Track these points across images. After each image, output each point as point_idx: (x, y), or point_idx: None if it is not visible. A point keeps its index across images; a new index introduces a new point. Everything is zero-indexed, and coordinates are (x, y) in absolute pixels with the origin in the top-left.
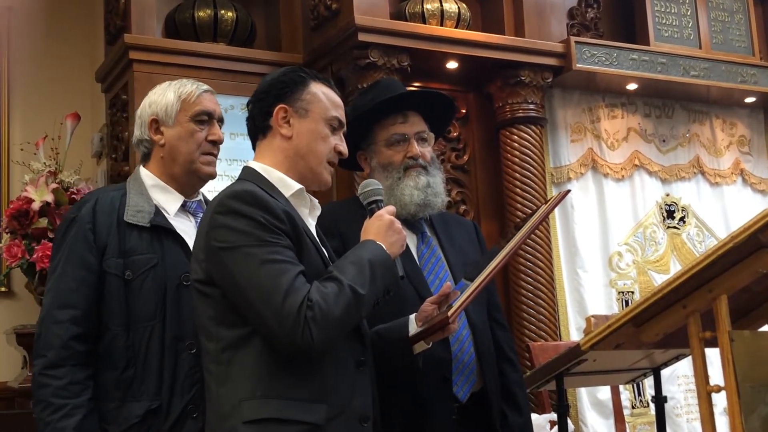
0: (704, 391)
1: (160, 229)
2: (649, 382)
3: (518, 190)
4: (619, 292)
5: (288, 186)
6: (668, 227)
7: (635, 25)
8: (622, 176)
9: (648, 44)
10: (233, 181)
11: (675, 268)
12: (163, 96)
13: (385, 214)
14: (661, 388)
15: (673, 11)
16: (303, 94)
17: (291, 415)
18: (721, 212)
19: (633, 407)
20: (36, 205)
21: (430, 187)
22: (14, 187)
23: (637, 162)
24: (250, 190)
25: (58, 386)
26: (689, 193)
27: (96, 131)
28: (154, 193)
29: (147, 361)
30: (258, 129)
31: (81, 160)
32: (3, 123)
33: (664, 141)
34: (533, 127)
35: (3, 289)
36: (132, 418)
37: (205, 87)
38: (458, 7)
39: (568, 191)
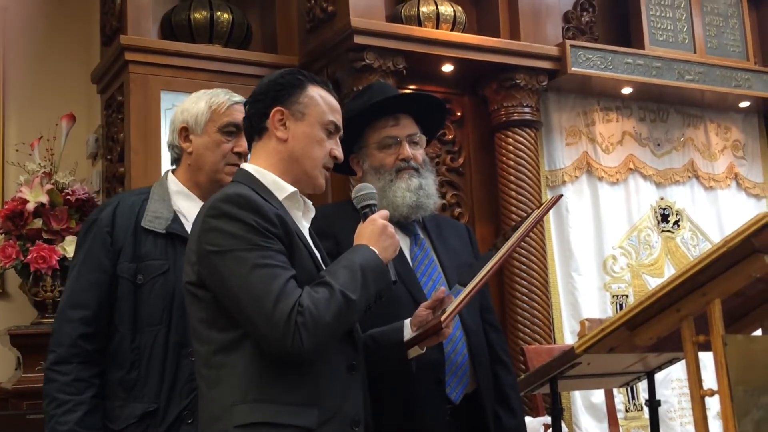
0: (698, 395)
1: (175, 236)
2: (642, 386)
3: (513, 193)
4: (613, 296)
5: (282, 189)
6: (662, 231)
7: (630, 28)
8: (617, 180)
9: (643, 48)
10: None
11: (669, 271)
12: (195, 104)
13: (379, 218)
14: (655, 391)
15: (668, 15)
16: (300, 97)
17: (282, 419)
18: (716, 216)
19: (627, 411)
20: (31, 206)
21: (422, 188)
22: (9, 188)
23: (631, 165)
24: (243, 194)
25: (63, 382)
26: (683, 197)
27: (91, 132)
28: (177, 199)
29: (150, 364)
30: (254, 130)
31: (76, 161)
32: None
33: (658, 145)
34: (528, 131)
35: None
36: (131, 418)
37: (237, 98)
38: (454, 10)
39: (560, 196)
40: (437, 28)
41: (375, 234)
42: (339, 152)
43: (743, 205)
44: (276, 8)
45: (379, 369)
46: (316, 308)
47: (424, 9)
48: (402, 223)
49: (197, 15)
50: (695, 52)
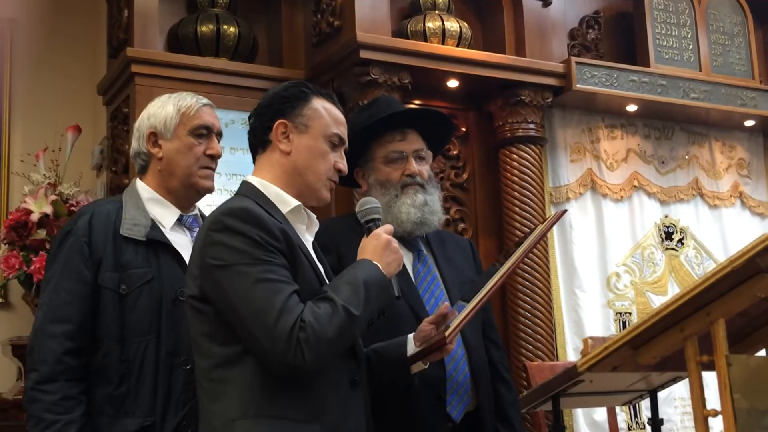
0: (701, 415)
1: (156, 243)
2: (645, 404)
3: (517, 209)
4: (616, 313)
5: (285, 202)
6: (666, 249)
7: (636, 46)
8: (621, 197)
9: (648, 66)
10: (230, 196)
11: (673, 289)
12: (162, 109)
13: (383, 233)
14: (658, 410)
15: (673, 34)
16: (304, 110)
17: None
18: (720, 235)
19: (629, 429)
20: (35, 217)
21: (427, 205)
22: (13, 198)
23: (636, 183)
24: (246, 207)
25: (50, 401)
26: (688, 214)
27: (97, 144)
28: (150, 207)
29: (141, 376)
30: (258, 143)
31: (81, 173)
32: (4, 134)
33: (663, 162)
34: (533, 147)
35: (0, 300)
36: None
37: (205, 101)
38: (460, 26)
39: (565, 211)
40: (443, 43)
41: (379, 249)
42: (343, 165)
43: (747, 223)
44: (282, 22)
45: (381, 384)
46: (318, 324)
47: (430, 24)
48: (406, 238)
49: (204, 28)
50: (700, 71)
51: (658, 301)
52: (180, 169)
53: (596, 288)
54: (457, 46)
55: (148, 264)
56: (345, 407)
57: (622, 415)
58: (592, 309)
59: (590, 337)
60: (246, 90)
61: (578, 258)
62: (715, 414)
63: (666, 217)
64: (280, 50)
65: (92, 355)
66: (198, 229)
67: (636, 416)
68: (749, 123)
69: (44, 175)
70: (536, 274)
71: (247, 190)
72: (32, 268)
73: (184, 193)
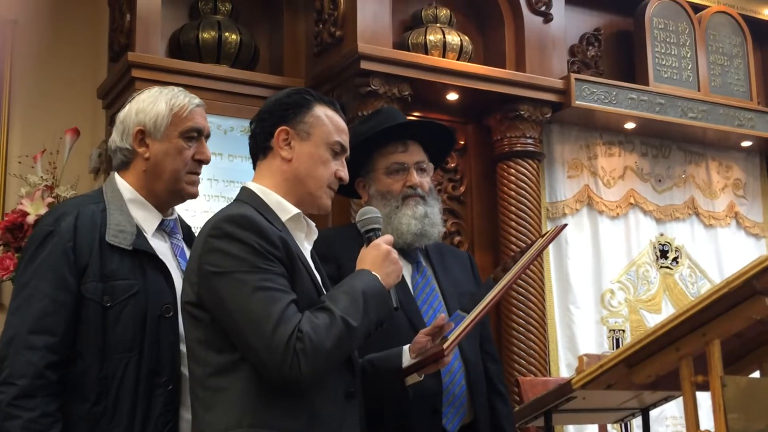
0: None
1: (142, 253)
2: (637, 422)
3: (513, 223)
4: (610, 330)
5: (285, 210)
6: (661, 267)
7: (635, 64)
8: (617, 214)
9: (647, 84)
10: (230, 202)
11: (667, 308)
12: (153, 105)
13: (383, 243)
14: (650, 428)
15: (673, 53)
16: (306, 117)
17: None
18: (715, 254)
19: None
20: (31, 219)
21: (427, 217)
22: (10, 200)
23: (632, 200)
24: (246, 214)
25: (28, 419)
26: (683, 233)
27: (95, 147)
28: (132, 209)
29: (119, 395)
30: (259, 149)
31: (78, 176)
32: (2, 135)
33: (659, 181)
34: (530, 162)
35: None
36: None
37: (197, 100)
38: (461, 40)
39: (565, 225)
40: (444, 56)
41: (378, 259)
42: (344, 173)
43: (743, 244)
44: (284, 31)
45: (376, 395)
46: (316, 334)
47: (431, 37)
48: (405, 250)
49: (205, 35)
50: (699, 90)
51: (651, 319)
52: (167, 172)
53: (590, 304)
54: (458, 59)
55: (134, 276)
56: (340, 419)
57: None
58: (585, 325)
59: (585, 355)
60: (246, 98)
61: (573, 274)
62: None
63: (661, 235)
64: (281, 59)
65: (69, 368)
66: (178, 234)
67: None
68: (746, 144)
69: (41, 177)
70: (531, 289)
71: (246, 196)
72: None
73: (168, 197)
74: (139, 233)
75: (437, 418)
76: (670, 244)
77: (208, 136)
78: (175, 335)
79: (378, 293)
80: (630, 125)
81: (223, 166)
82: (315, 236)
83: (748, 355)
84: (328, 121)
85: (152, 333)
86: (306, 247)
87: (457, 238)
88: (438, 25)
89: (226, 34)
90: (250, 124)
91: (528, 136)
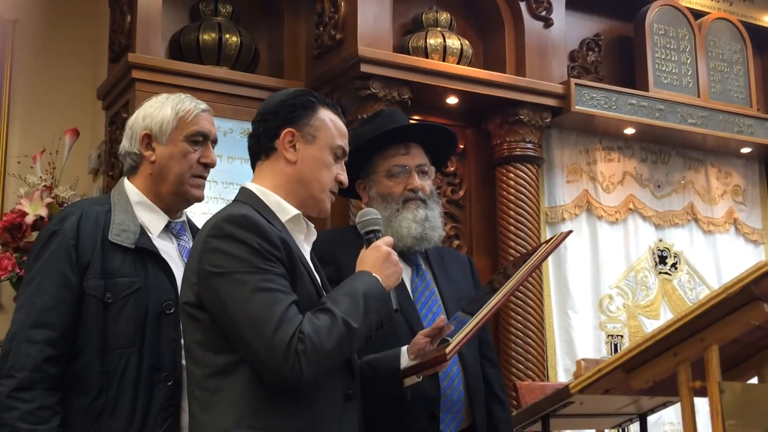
0: None
1: (145, 251)
2: (635, 428)
3: (512, 228)
4: (608, 335)
5: (285, 211)
6: (660, 272)
7: (635, 70)
8: (616, 219)
9: (647, 90)
10: (228, 203)
11: (665, 313)
12: (160, 110)
13: (383, 245)
14: None
15: (673, 59)
16: (311, 120)
17: None
18: (713, 260)
19: None
20: (29, 219)
21: (428, 220)
22: (9, 200)
23: (631, 206)
24: (247, 215)
25: (26, 410)
26: (682, 239)
27: (94, 148)
28: (139, 211)
29: (120, 390)
30: (261, 150)
31: (77, 176)
32: (2, 135)
33: (659, 186)
34: (530, 166)
35: None
36: None
37: (203, 106)
38: (461, 44)
39: (570, 232)
40: (444, 60)
41: (379, 261)
42: (344, 177)
43: (741, 250)
44: (284, 33)
45: (374, 396)
46: (317, 336)
47: (431, 41)
48: (405, 253)
49: (206, 36)
50: (699, 97)
51: (650, 325)
52: (172, 175)
53: (589, 310)
54: (458, 63)
55: (135, 273)
56: (339, 421)
57: None
58: (584, 330)
59: (583, 359)
60: (246, 100)
61: (572, 279)
62: None
63: (660, 241)
64: (281, 61)
65: (70, 363)
66: (185, 236)
67: None
68: (746, 150)
69: (41, 177)
70: (530, 294)
71: (246, 196)
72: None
73: (173, 200)
74: (143, 233)
75: (435, 423)
76: (669, 249)
77: (215, 141)
78: (176, 332)
79: (378, 294)
80: (629, 131)
81: (222, 168)
82: (314, 237)
83: (746, 360)
84: (331, 125)
85: (153, 329)
86: (305, 249)
87: (456, 242)
88: (438, 28)
89: (227, 36)
90: (252, 123)
91: (527, 140)
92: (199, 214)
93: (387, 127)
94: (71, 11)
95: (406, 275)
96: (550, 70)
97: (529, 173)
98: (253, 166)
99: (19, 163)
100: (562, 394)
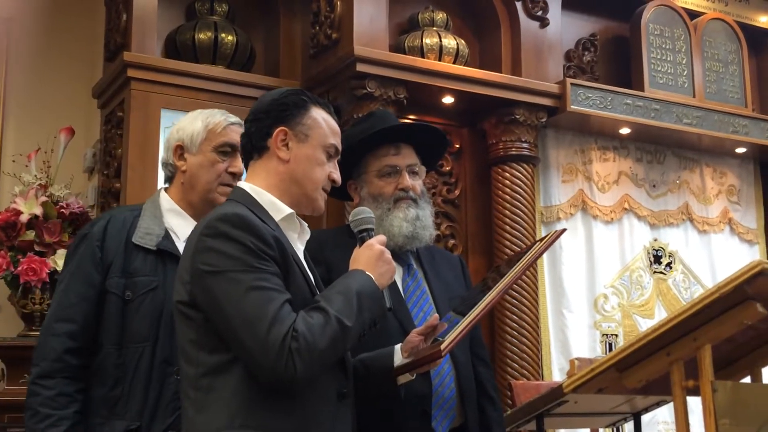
0: None
1: (165, 253)
2: (629, 427)
3: (508, 227)
4: (603, 335)
5: (279, 210)
6: (655, 272)
7: (631, 70)
8: (611, 219)
9: (642, 90)
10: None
11: (660, 313)
12: (192, 124)
13: (376, 243)
14: None
15: (668, 59)
16: (304, 119)
17: None
18: (708, 260)
19: None
20: (24, 218)
21: (419, 219)
22: (3, 198)
23: (626, 206)
24: (240, 213)
25: (47, 396)
26: (677, 239)
27: (89, 146)
28: (169, 217)
29: (134, 381)
30: (254, 149)
31: (72, 175)
32: None
33: (654, 186)
34: (525, 166)
35: None
36: None
37: (234, 119)
38: (457, 43)
39: (564, 230)
40: (440, 60)
41: (372, 259)
42: (337, 176)
43: (736, 250)
44: (280, 32)
45: (367, 394)
46: (310, 334)
47: (427, 41)
48: (396, 252)
49: (202, 35)
50: (694, 97)
51: (644, 324)
52: (201, 183)
53: (583, 309)
54: (454, 63)
55: (155, 273)
56: (333, 419)
57: None
58: (578, 330)
59: (577, 358)
60: (241, 99)
61: (567, 278)
62: None
63: (655, 240)
64: (276, 60)
65: (93, 356)
66: None
67: None
68: (741, 150)
69: (35, 176)
70: (524, 293)
71: (239, 196)
72: (19, 269)
73: (202, 207)
74: (167, 236)
75: (426, 421)
76: (664, 249)
77: None
78: None
79: (372, 293)
80: (625, 130)
81: None
82: (307, 236)
83: (739, 360)
84: (324, 123)
85: (167, 325)
86: (299, 248)
87: (452, 242)
88: (434, 28)
89: (223, 35)
90: (245, 123)
91: (523, 140)
92: None
93: (378, 128)
94: (66, 10)
95: (398, 274)
96: (545, 69)
97: (525, 173)
98: (246, 166)
99: (13, 161)
100: (556, 393)
